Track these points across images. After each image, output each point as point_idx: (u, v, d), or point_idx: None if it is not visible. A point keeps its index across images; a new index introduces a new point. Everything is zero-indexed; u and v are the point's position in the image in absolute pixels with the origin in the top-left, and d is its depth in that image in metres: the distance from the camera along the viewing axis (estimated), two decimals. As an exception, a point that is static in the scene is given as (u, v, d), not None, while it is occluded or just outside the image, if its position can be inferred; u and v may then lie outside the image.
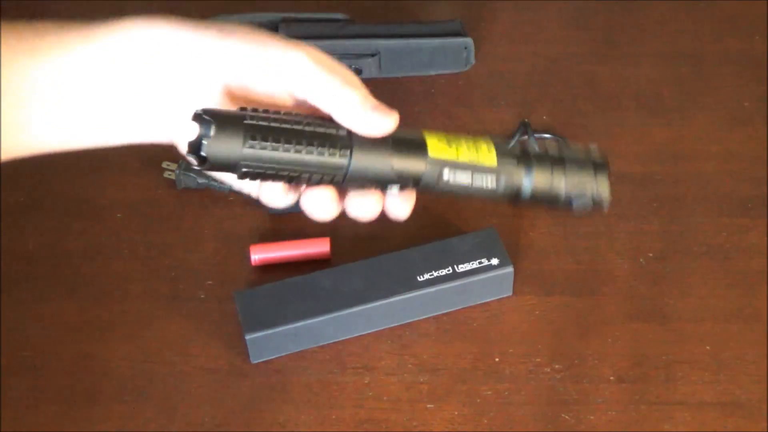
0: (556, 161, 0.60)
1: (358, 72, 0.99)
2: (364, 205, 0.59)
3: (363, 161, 0.57)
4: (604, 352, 0.82)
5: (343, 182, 0.57)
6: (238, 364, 0.82)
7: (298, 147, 0.55)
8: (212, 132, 0.54)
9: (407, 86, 1.01)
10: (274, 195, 0.58)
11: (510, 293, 0.85)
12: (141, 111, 0.57)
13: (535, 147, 0.61)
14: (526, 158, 0.60)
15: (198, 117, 0.54)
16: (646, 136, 0.96)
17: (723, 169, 0.93)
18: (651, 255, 0.87)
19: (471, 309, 0.84)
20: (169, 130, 0.58)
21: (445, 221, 0.89)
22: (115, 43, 0.56)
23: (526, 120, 0.94)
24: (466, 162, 0.58)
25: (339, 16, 1.01)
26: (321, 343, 0.82)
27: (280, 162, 0.55)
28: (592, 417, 0.78)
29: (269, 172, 0.55)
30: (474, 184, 0.59)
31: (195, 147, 0.54)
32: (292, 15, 1.01)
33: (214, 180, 0.89)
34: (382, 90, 1.00)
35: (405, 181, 0.58)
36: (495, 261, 0.83)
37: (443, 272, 0.82)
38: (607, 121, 0.97)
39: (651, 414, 0.78)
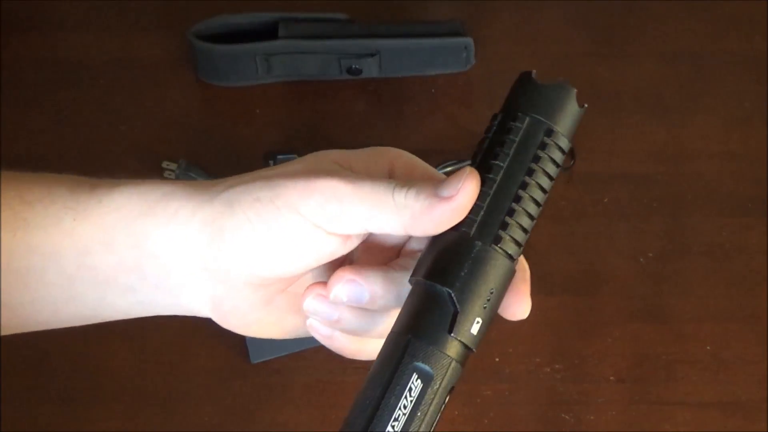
0: None
1: (358, 72, 0.99)
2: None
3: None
4: (604, 352, 0.82)
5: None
6: (238, 364, 0.82)
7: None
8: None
9: (407, 86, 1.01)
10: None
11: (510, 293, 0.85)
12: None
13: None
14: None
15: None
16: (646, 136, 0.96)
17: (723, 169, 0.93)
18: (651, 255, 0.87)
19: (471, 309, 0.84)
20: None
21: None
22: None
23: (526, 120, 0.93)
24: None
25: (339, 16, 1.01)
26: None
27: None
28: (592, 417, 0.78)
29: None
30: None
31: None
32: (292, 15, 1.01)
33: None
34: (382, 90, 1.02)
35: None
36: (495, 261, 0.83)
37: (443, 272, 0.82)
38: (607, 121, 0.97)
39: (651, 414, 0.78)
